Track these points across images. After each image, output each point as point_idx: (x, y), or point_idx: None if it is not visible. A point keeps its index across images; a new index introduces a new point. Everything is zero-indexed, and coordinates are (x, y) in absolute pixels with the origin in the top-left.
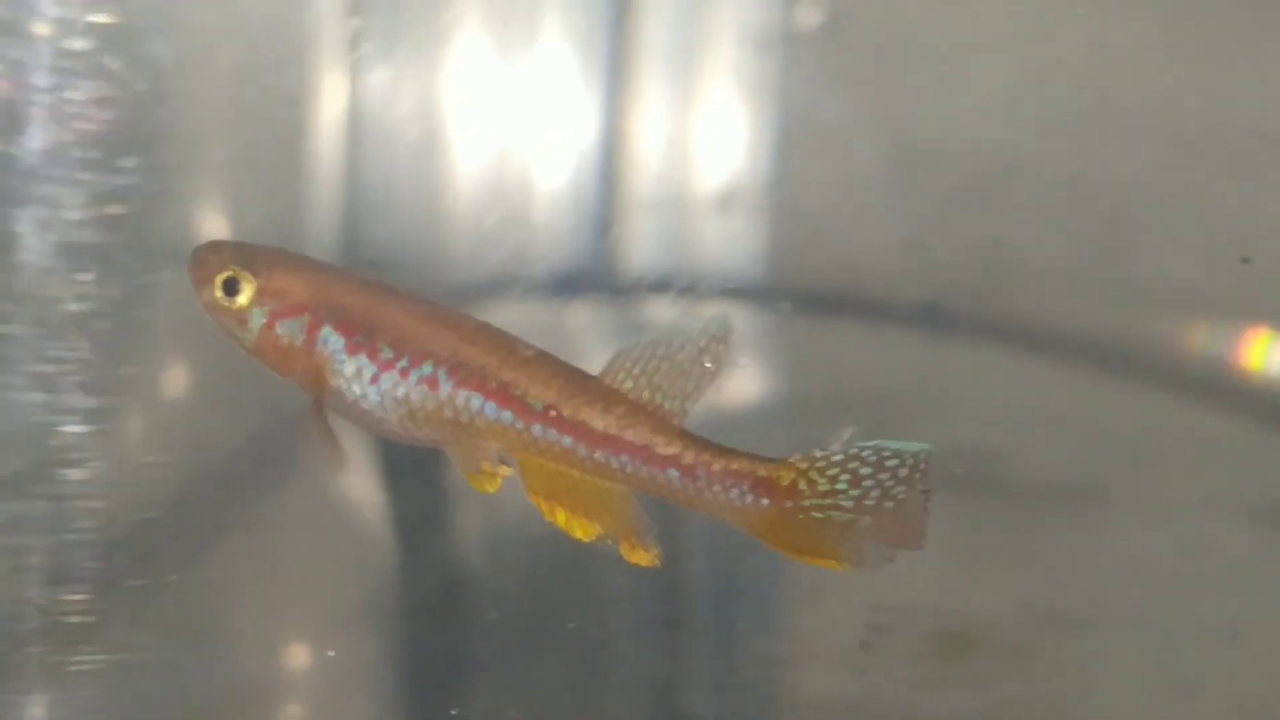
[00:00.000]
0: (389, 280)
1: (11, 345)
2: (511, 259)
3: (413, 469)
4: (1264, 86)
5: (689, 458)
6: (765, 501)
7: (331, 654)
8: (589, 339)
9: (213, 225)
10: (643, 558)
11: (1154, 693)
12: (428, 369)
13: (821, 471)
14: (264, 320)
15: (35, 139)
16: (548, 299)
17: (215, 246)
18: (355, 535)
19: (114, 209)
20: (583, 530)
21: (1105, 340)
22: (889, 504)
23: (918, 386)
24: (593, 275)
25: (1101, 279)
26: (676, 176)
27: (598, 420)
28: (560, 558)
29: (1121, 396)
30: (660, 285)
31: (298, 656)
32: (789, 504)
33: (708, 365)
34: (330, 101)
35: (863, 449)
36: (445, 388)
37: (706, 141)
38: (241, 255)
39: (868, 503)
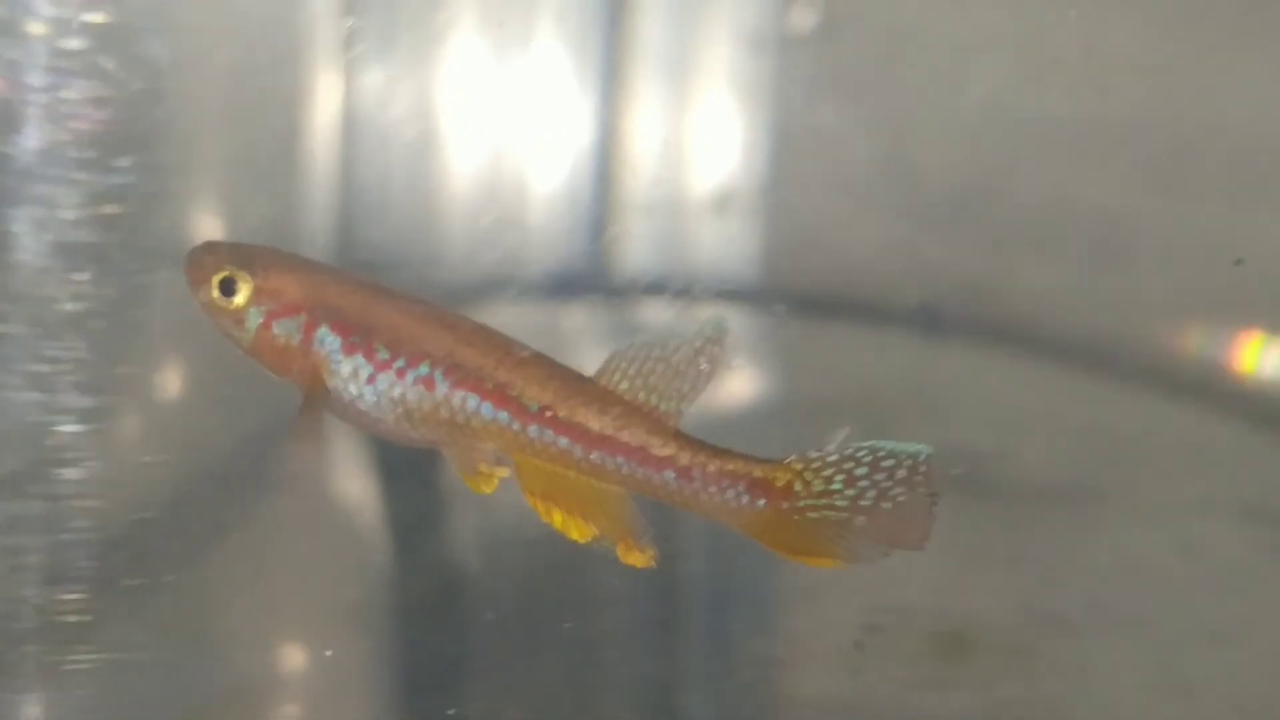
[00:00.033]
0: (384, 281)
1: (7, 345)
2: (506, 260)
3: (409, 470)
4: (1258, 90)
5: (684, 459)
6: (761, 502)
7: (329, 654)
8: (584, 340)
9: (208, 225)
10: (639, 559)
11: (1151, 693)
12: (424, 369)
13: (817, 472)
14: (261, 320)
15: (31, 138)
16: (542, 300)
17: (211, 247)
18: (352, 536)
19: (110, 209)
20: (579, 531)
21: (1100, 343)
22: (886, 504)
23: (913, 388)
24: (587, 277)
25: (1096, 282)
26: (672, 178)
27: (593, 421)
28: (556, 558)
29: (1117, 399)
30: (655, 287)
31: (294, 656)
32: (785, 505)
33: (703, 367)
34: (326, 102)
35: (859, 450)
36: (441, 388)
37: (702, 144)
38: (238, 255)
39: (863, 503)
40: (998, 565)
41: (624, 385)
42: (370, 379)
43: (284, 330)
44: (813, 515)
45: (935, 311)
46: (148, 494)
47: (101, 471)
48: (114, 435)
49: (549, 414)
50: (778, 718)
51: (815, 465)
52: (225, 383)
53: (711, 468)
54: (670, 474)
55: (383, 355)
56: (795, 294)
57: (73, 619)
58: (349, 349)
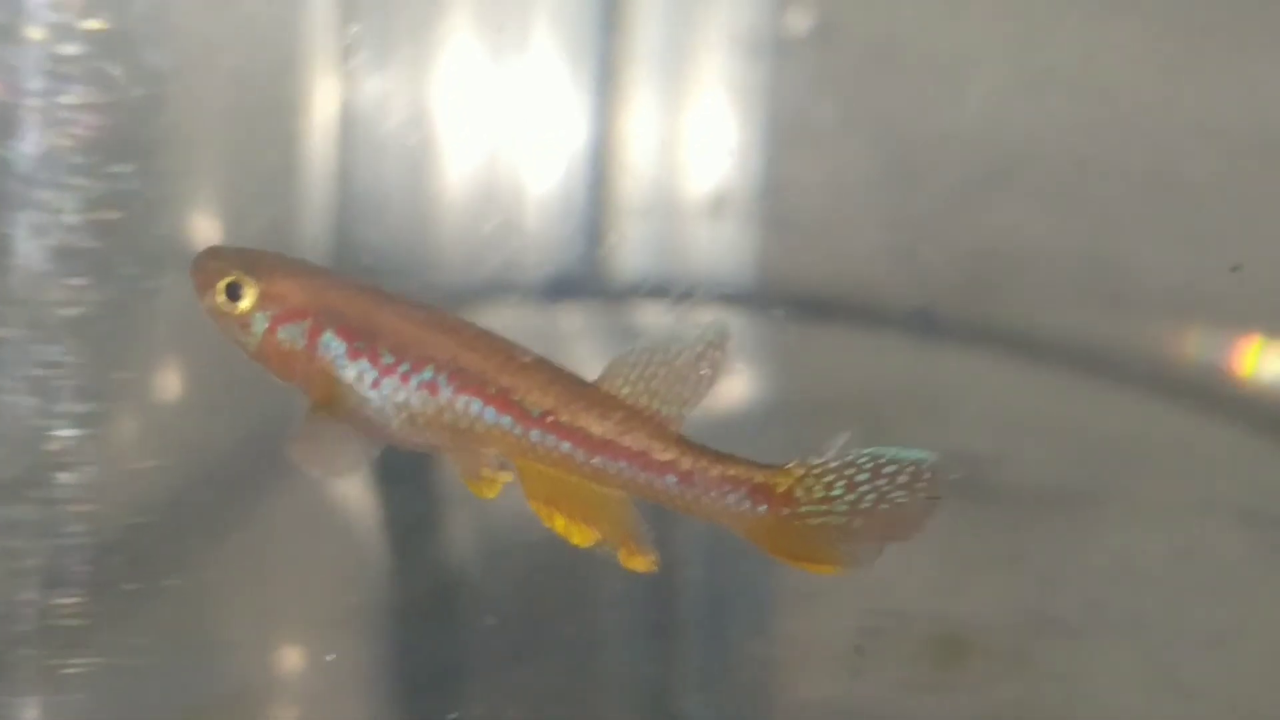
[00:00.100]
0: (386, 285)
1: (5, 349)
2: (505, 264)
3: (408, 473)
4: (1255, 93)
5: (686, 463)
6: (762, 508)
7: (330, 658)
8: (583, 345)
9: (208, 231)
10: (640, 563)
11: (1149, 696)
12: (428, 374)
13: (818, 478)
14: (266, 325)
15: (30, 143)
16: (541, 304)
17: (216, 252)
18: (351, 539)
19: (109, 214)
20: (581, 536)
21: (1098, 346)
22: (884, 506)
23: (911, 392)
24: (586, 281)
25: (1094, 285)
26: (668, 182)
27: (595, 426)
28: (556, 562)
29: (1114, 402)
30: (653, 291)
31: (293, 660)
32: (785, 511)
33: (705, 371)
34: (325, 108)
35: (860, 456)
36: (445, 392)
37: (698, 147)
38: (243, 261)
39: (863, 507)
40: (996, 568)
41: (626, 390)
42: (375, 383)
43: (289, 335)
44: (813, 522)
45: (933, 314)
46: (145, 498)
47: (99, 476)
48: (111, 440)
49: (551, 419)
50: None
51: (816, 470)
52: (222, 387)
53: (713, 472)
54: (672, 479)
55: (387, 360)
56: (793, 298)
57: (71, 623)
58: (354, 353)
